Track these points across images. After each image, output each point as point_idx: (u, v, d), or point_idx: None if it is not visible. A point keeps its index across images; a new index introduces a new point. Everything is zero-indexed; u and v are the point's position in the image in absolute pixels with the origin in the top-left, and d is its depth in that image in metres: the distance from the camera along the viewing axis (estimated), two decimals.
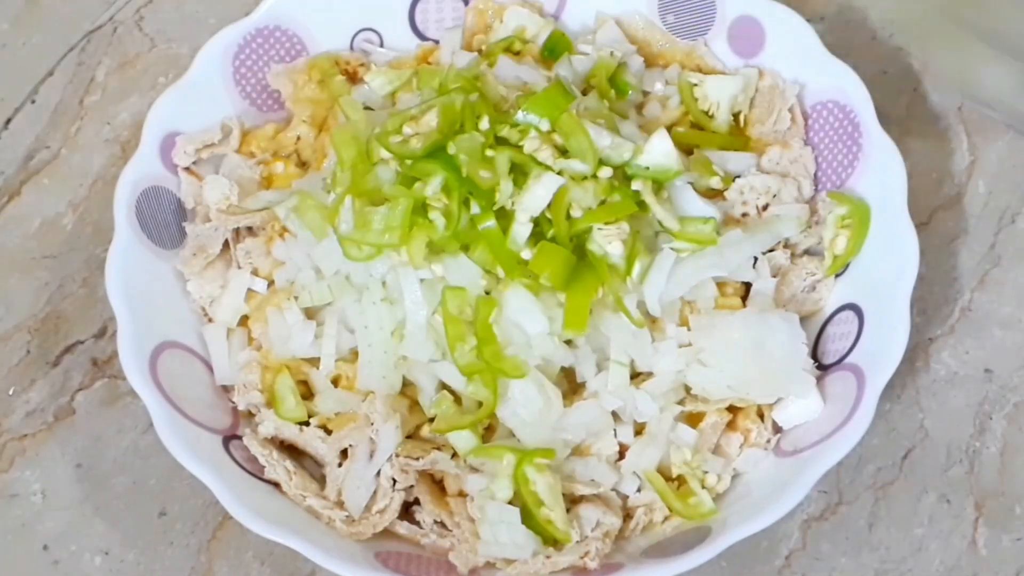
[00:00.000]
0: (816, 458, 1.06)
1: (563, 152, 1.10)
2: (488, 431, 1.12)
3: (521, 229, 1.08)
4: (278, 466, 1.11)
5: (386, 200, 1.11)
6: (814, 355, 1.15)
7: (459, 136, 1.09)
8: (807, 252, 1.20)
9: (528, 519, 1.07)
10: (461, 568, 1.07)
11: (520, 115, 1.10)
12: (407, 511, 1.12)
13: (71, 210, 1.32)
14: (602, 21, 1.30)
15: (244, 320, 1.20)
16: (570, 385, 1.13)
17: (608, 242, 1.08)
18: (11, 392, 1.24)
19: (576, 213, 1.08)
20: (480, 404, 1.10)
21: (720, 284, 1.15)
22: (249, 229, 1.22)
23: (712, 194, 1.18)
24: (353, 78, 1.28)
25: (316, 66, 1.27)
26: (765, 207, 1.20)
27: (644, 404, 1.10)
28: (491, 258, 1.09)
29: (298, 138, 1.27)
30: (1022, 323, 1.22)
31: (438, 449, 1.11)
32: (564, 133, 1.10)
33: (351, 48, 1.31)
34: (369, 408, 1.11)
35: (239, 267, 1.21)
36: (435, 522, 1.11)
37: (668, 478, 1.12)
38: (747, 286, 1.17)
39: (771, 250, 1.18)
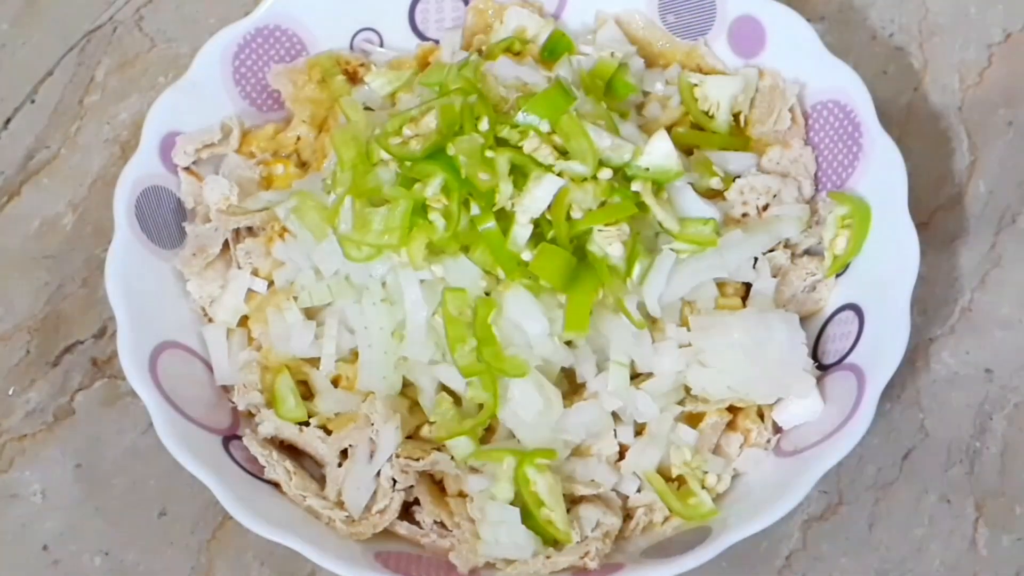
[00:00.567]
0: (816, 458, 1.06)
1: (563, 153, 1.10)
2: (488, 432, 1.12)
3: (521, 230, 1.08)
4: (278, 466, 1.11)
5: (386, 201, 1.11)
6: (814, 355, 1.15)
7: (459, 137, 1.09)
8: (807, 252, 1.20)
9: (528, 519, 1.07)
10: (461, 568, 1.07)
11: (520, 116, 1.10)
12: (407, 511, 1.12)
13: (71, 210, 1.32)
14: (602, 21, 1.30)
15: (244, 320, 1.20)
16: (570, 386, 1.13)
17: (608, 243, 1.08)
18: (11, 392, 1.24)
19: (576, 214, 1.08)
20: (480, 406, 1.10)
21: (720, 284, 1.15)
22: (249, 229, 1.22)
23: (712, 194, 1.18)
24: (353, 78, 1.28)
25: (317, 65, 1.27)
26: (765, 207, 1.20)
27: (644, 404, 1.10)
28: (491, 259, 1.09)
29: (298, 138, 1.27)
30: (1022, 323, 1.22)
31: (438, 450, 1.11)
32: (564, 134, 1.10)
33: (351, 48, 1.31)
34: (369, 409, 1.11)
35: (239, 267, 1.21)
36: (435, 522, 1.11)
37: (668, 478, 1.12)
38: (747, 286, 1.17)
39: (771, 250, 1.18)
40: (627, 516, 1.11)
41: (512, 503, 1.08)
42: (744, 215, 1.20)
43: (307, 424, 1.14)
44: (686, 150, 1.20)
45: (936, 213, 1.27)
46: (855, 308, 1.14)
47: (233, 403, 1.17)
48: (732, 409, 1.14)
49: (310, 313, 1.16)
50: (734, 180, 1.20)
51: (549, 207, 1.08)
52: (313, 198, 1.16)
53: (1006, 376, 1.20)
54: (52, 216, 1.32)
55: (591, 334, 1.09)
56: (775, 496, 1.04)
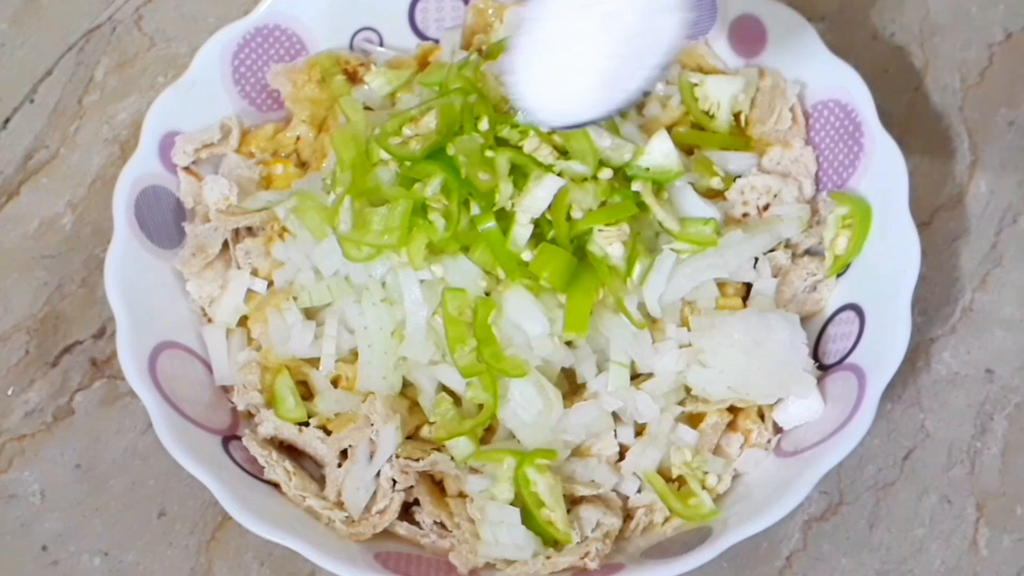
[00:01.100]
0: (817, 458, 1.05)
1: (563, 153, 1.10)
2: (488, 432, 1.12)
3: (522, 231, 1.08)
4: (278, 466, 1.11)
5: (386, 201, 1.11)
6: (815, 355, 1.15)
7: (459, 137, 1.09)
8: (808, 252, 1.20)
9: (528, 520, 1.07)
10: (461, 569, 1.07)
11: (520, 116, 1.10)
12: (407, 512, 1.12)
13: (70, 210, 1.32)
14: None
15: (244, 320, 1.20)
16: (570, 386, 1.13)
17: (609, 243, 1.08)
18: (10, 392, 1.23)
19: (577, 214, 1.08)
20: (480, 407, 1.10)
21: (721, 284, 1.15)
22: (249, 229, 1.22)
23: (713, 194, 1.18)
24: (353, 78, 1.28)
25: (317, 64, 1.27)
26: (766, 207, 1.20)
27: (645, 405, 1.10)
28: (491, 259, 1.08)
29: (298, 138, 1.27)
30: (1023, 323, 1.22)
31: (438, 450, 1.11)
32: (564, 134, 1.10)
33: (351, 48, 1.31)
34: (369, 409, 1.11)
35: (239, 267, 1.20)
36: (435, 523, 1.11)
37: (668, 479, 1.12)
38: (748, 286, 1.17)
39: (772, 250, 1.18)
40: (627, 516, 1.11)
41: (512, 503, 1.08)
42: (745, 215, 1.20)
43: (307, 424, 1.14)
44: (686, 150, 1.20)
45: (937, 213, 1.27)
46: (856, 308, 1.14)
47: (233, 403, 1.17)
48: (732, 409, 1.14)
49: (310, 313, 1.16)
50: (735, 180, 1.20)
51: (549, 207, 1.08)
52: (313, 198, 1.16)
53: (1007, 376, 1.20)
54: (51, 216, 1.32)
55: (591, 334, 1.09)
56: (775, 497, 1.04)
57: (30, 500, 1.19)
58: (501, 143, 1.10)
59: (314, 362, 1.15)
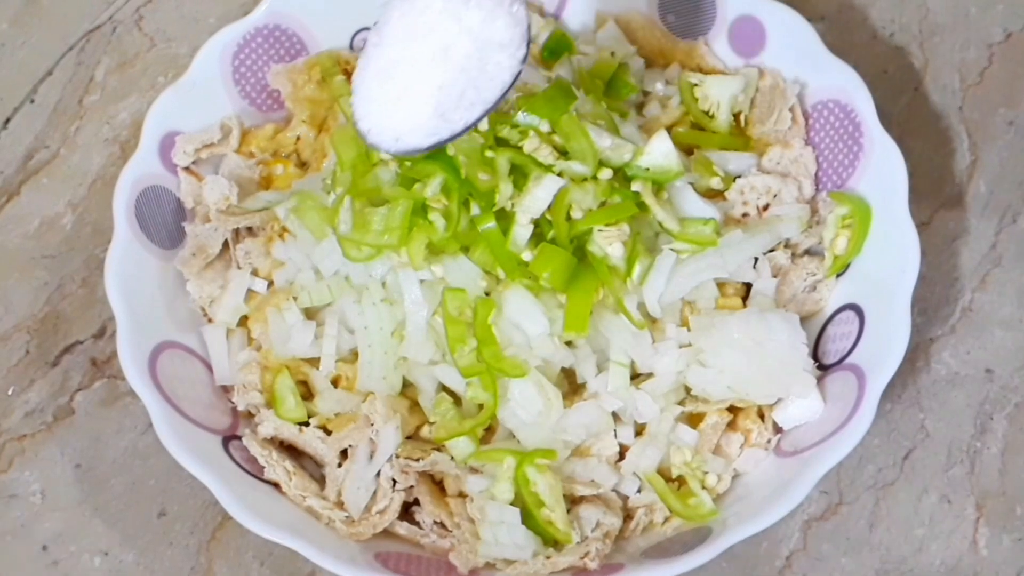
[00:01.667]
0: (817, 458, 1.05)
1: (563, 153, 1.10)
2: (488, 432, 1.12)
3: (522, 231, 1.08)
4: (278, 466, 1.11)
5: (386, 201, 1.11)
6: (815, 355, 1.15)
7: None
8: (808, 252, 1.20)
9: (528, 520, 1.07)
10: (461, 568, 1.07)
11: (520, 116, 1.10)
12: (407, 512, 1.12)
13: (70, 210, 1.32)
14: (602, 21, 1.30)
15: (244, 320, 1.20)
16: (570, 386, 1.13)
17: (608, 243, 1.08)
18: (10, 392, 1.23)
19: (576, 214, 1.08)
20: (480, 407, 1.10)
21: (721, 284, 1.15)
22: (249, 229, 1.22)
23: (713, 194, 1.18)
24: None
25: (318, 64, 1.27)
26: (766, 207, 1.20)
27: (644, 405, 1.10)
28: (491, 259, 1.09)
29: (298, 138, 1.27)
30: (1023, 323, 1.22)
31: (438, 450, 1.11)
32: (564, 134, 1.10)
33: (351, 48, 1.31)
34: (369, 409, 1.11)
35: (239, 267, 1.20)
36: (435, 523, 1.11)
37: (668, 479, 1.12)
38: (748, 286, 1.17)
39: (772, 250, 1.18)
40: (627, 516, 1.11)
41: (512, 503, 1.08)
42: (744, 215, 1.20)
43: (307, 424, 1.14)
44: (686, 150, 1.20)
45: (937, 213, 1.27)
46: (855, 308, 1.14)
47: (233, 403, 1.17)
48: (732, 409, 1.14)
49: (310, 313, 1.16)
50: (734, 180, 1.20)
51: (549, 207, 1.08)
52: (313, 198, 1.16)
53: (1006, 376, 1.20)
54: (51, 216, 1.32)
55: (591, 334, 1.09)
56: (775, 496, 1.04)
57: (30, 500, 1.19)
58: (501, 143, 1.10)
59: (314, 362, 1.15)
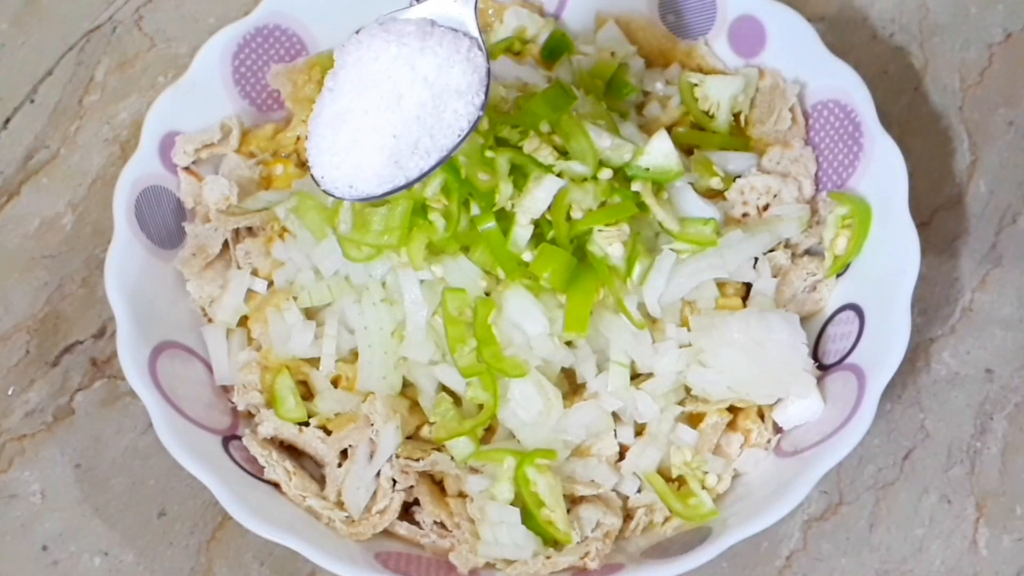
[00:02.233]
0: (817, 458, 1.06)
1: (563, 153, 1.10)
2: (488, 432, 1.12)
3: (522, 231, 1.08)
4: (278, 466, 1.11)
5: (386, 201, 1.11)
6: (815, 355, 1.15)
7: None
8: (808, 252, 1.20)
9: (528, 520, 1.07)
10: (461, 568, 1.07)
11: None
12: (407, 511, 1.12)
13: (70, 210, 1.32)
14: (602, 21, 1.30)
15: (244, 320, 1.20)
16: (570, 386, 1.13)
17: (609, 244, 1.08)
18: (10, 392, 1.23)
19: (576, 215, 1.08)
20: (480, 407, 1.10)
21: (721, 284, 1.15)
22: (249, 229, 1.22)
23: (713, 194, 1.18)
24: None
25: (317, 64, 1.27)
26: (766, 207, 1.20)
27: (644, 405, 1.10)
28: (491, 259, 1.09)
29: (298, 138, 1.26)
30: (1023, 323, 1.22)
31: (438, 450, 1.11)
32: (564, 134, 1.10)
33: None
34: (369, 409, 1.11)
35: (239, 267, 1.20)
36: (435, 523, 1.11)
37: (668, 479, 1.12)
38: (748, 286, 1.17)
39: (772, 250, 1.18)
40: (627, 516, 1.11)
41: (512, 503, 1.08)
42: (744, 215, 1.20)
43: (307, 424, 1.14)
44: (686, 150, 1.20)
45: (936, 213, 1.27)
46: (855, 308, 1.14)
47: (233, 403, 1.17)
48: (732, 409, 1.14)
49: (310, 313, 1.16)
50: (734, 180, 1.20)
51: (549, 207, 1.08)
52: (313, 198, 1.16)
53: (1006, 376, 1.20)
54: (51, 216, 1.31)
55: (591, 334, 1.09)
56: (775, 496, 1.04)
57: (30, 500, 1.19)
58: (501, 143, 1.10)
59: (314, 362, 1.15)
